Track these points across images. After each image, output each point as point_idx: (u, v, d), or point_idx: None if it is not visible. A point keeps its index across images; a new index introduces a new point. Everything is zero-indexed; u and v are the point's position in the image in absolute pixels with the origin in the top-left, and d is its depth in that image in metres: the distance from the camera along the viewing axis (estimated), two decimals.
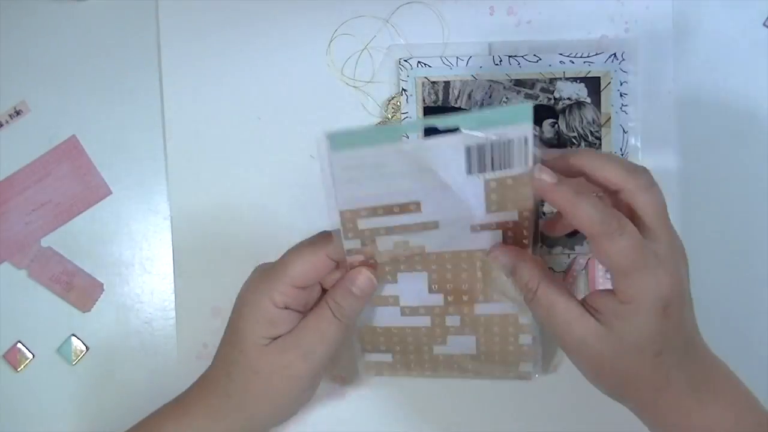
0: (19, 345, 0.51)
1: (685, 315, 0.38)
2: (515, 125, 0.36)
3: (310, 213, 0.50)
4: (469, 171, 0.38)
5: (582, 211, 0.36)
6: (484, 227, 0.40)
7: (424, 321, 0.44)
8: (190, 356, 0.50)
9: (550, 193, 0.37)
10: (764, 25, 0.50)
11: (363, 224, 0.39)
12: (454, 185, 0.38)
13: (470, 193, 0.38)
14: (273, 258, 0.51)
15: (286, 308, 0.40)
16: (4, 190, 0.50)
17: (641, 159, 0.49)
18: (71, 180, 0.51)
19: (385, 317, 0.44)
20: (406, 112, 0.49)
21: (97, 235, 0.51)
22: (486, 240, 0.41)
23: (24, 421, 0.51)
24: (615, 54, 0.49)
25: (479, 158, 0.37)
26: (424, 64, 0.50)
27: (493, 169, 0.37)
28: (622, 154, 0.49)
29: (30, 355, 0.51)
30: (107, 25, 0.51)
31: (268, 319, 0.40)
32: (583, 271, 0.50)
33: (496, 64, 0.49)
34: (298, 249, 0.41)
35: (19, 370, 0.51)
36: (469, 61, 0.49)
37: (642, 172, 0.37)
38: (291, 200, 0.50)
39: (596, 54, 0.49)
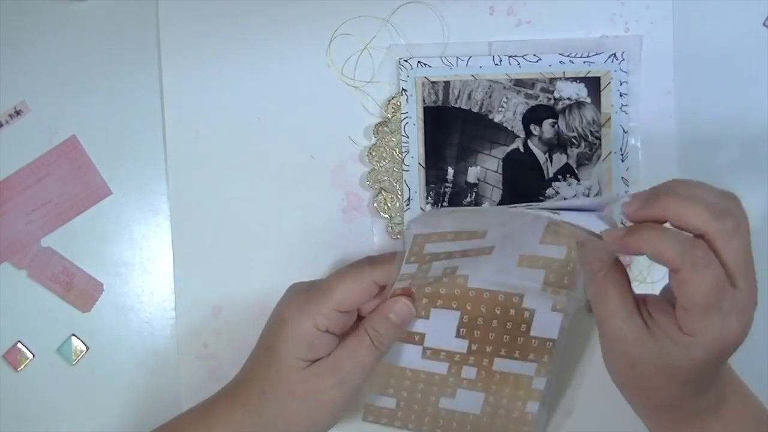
0: (19, 345, 0.51)
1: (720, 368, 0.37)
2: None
3: (310, 213, 0.50)
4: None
5: (662, 246, 0.33)
6: (530, 262, 0.40)
7: (442, 368, 0.44)
8: (191, 356, 0.50)
9: (623, 246, 0.35)
10: (764, 25, 0.50)
11: (429, 248, 0.39)
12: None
13: (532, 222, 0.39)
14: (274, 257, 0.51)
15: (327, 331, 0.40)
16: (4, 190, 0.50)
17: (641, 159, 0.49)
18: (71, 180, 0.51)
19: (405, 357, 0.44)
20: (406, 112, 0.49)
21: (97, 235, 0.51)
22: (527, 281, 0.41)
23: (24, 421, 0.51)
24: (615, 54, 0.49)
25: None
26: (424, 64, 0.50)
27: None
28: (622, 155, 0.49)
29: (30, 355, 0.51)
30: (107, 25, 0.51)
31: (309, 341, 0.40)
32: None
33: (496, 64, 0.49)
34: (346, 272, 0.41)
35: (19, 370, 0.51)
36: (469, 61, 0.49)
37: (727, 214, 0.34)
38: (291, 200, 0.50)
39: (596, 54, 0.49)
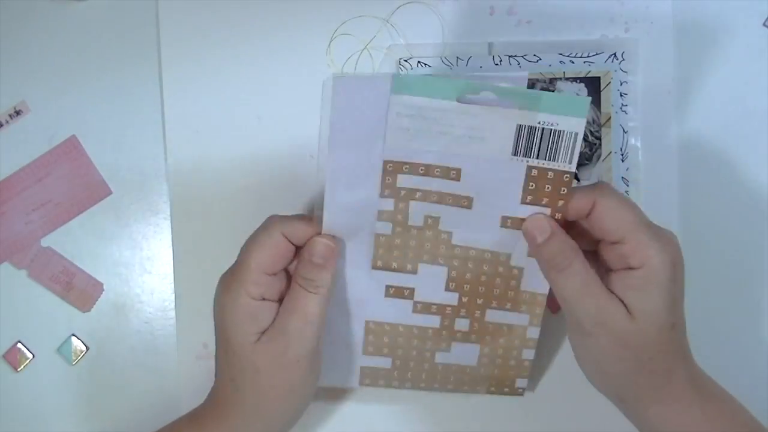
0: (19, 345, 0.51)
1: (683, 289, 0.39)
2: (569, 117, 0.37)
3: (309, 213, 0.50)
4: (515, 152, 0.38)
5: (575, 197, 0.39)
6: (513, 223, 0.40)
7: (434, 321, 0.44)
8: (190, 356, 0.50)
9: (537, 251, 0.39)
10: (764, 25, 0.50)
11: (402, 181, 0.39)
12: (497, 161, 0.38)
13: (510, 176, 0.39)
14: None
15: (263, 299, 0.40)
16: (4, 190, 0.50)
17: (641, 159, 0.49)
18: (71, 180, 0.51)
19: (396, 313, 0.44)
20: None
21: (97, 235, 0.51)
22: (513, 242, 0.41)
23: (24, 421, 0.51)
24: (615, 54, 0.49)
25: (527, 141, 0.38)
26: (424, 64, 0.50)
27: (537, 156, 0.38)
28: (622, 154, 0.49)
29: (30, 355, 0.51)
30: (107, 25, 0.51)
31: (250, 313, 0.40)
32: None
33: (496, 64, 0.49)
34: (256, 235, 0.41)
35: (19, 370, 0.51)
36: (469, 61, 0.49)
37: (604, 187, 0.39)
38: (290, 199, 0.50)
39: (596, 54, 0.49)
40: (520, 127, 0.37)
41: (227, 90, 0.50)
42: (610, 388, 0.41)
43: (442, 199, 0.40)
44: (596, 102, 0.49)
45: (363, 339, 0.45)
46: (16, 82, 0.51)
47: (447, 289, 0.43)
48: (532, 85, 0.49)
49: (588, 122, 0.49)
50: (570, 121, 0.37)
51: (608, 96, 0.49)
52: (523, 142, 0.38)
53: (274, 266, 0.41)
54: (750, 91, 0.50)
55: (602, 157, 0.49)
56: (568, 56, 0.49)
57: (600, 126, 0.49)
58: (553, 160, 0.38)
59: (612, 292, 0.38)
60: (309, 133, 0.50)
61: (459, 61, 0.49)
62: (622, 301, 0.38)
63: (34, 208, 0.51)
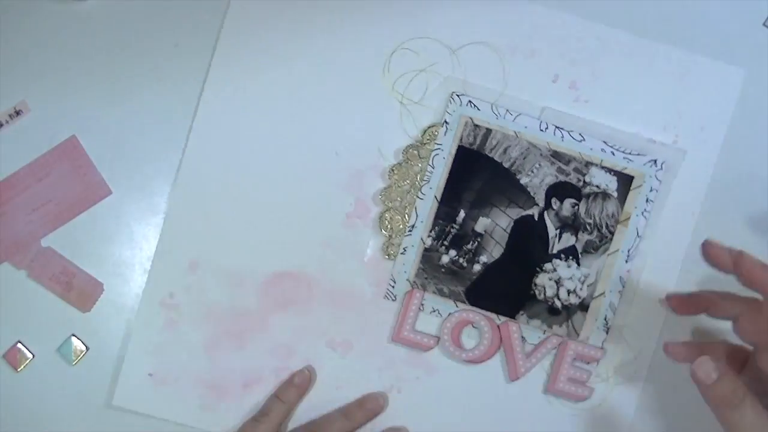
0: (19, 345, 0.51)
1: None
2: None
3: (315, 208, 0.50)
4: None
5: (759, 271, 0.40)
6: None
7: None
8: (154, 300, 0.50)
9: (707, 392, 0.39)
10: (764, 25, 0.50)
11: None
12: None
13: None
14: (266, 237, 0.52)
15: None
16: (4, 190, 0.50)
17: (645, 264, 0.50)
18: (71, 180, 0.51)
19: None
20: (440, 144, 0.50)
21: (97, 235, 0.51)
22: None
23: (24, 421, 0.51)
24: (656, 161, 0.49)
25: None
26: (474, 105, 0.50)
27: None
28: (628, 255, 0.50)
29: (30, 355, 0.51)
30: (107, 25, 0.51)
31: None
32: (554, 351, 0.50)
33: (542, 130, 0.50)
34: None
35: (19, 370, 0.51)
36: (517, 117, 0.50)
37: None
38: (302, 190, 0.50)
39: (638, 154, 0.49)
40: None
41: (269, 85, 0.50)
42: None
43: None
44: (622, 198, 0.50)
45: None
46: (16, 82, 0.51)
47: None
48: (567, 161, 0.49)
49: (608, 214, 0.50)
50: None
51: (635, 197, 0.49)
52: None
53: None
54: (750, 91, 0.50)
55: (608, 251, 0.50)
56: (611, 147, 0.49)
57: (617, 222, 0.50)
58: None
59: None
60: (342, 130, 0.50)
61: (507, 114, 0.49)
62: None
63: (34, 208, 0.51)
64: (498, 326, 0.50)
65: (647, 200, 0.49)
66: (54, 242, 0.51)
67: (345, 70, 0.50)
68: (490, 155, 0.50)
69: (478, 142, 0.50)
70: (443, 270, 0.50)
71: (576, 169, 0.50)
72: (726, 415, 0.39)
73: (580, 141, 0.49)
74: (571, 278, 0.50)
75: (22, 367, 0.51)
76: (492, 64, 0.50)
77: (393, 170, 0.50)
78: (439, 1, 0.50)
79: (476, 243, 0.50)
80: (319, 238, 0.50)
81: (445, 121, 0.50)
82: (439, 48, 0.50)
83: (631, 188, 0.49)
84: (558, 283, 0.50)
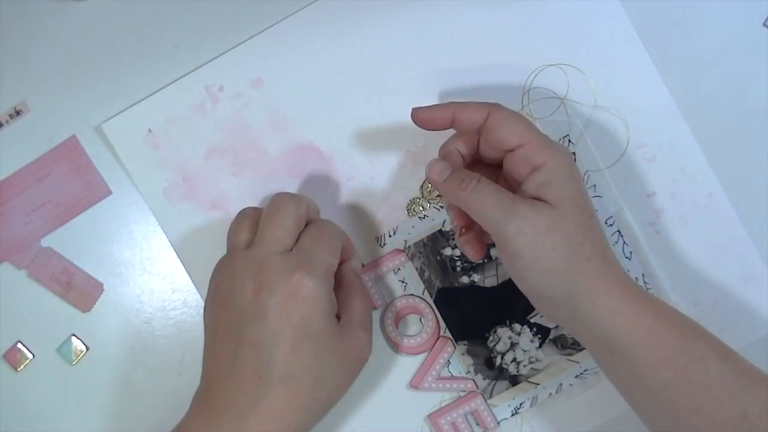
0: (19, 345, 0.51)
1: (585, 192, 0.42)
2: None
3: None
4: None
5: (463, 105, 0.43)
6: None
7: None
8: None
9: (443, 187, 0.42)
10: (764, 25, 0.50)
11: None
12: None
13: None
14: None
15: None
16: (4, 190, 0.50)
17: None
18: (71, 180, 0.51)
19: None
20: None
21: (97, 235, 0.51)
22: None
23: (24, 421, 0.51)
24: None
25: None
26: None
27: None
28: (582, 372, 0.49)
29: (30, 355, 0.51)
30: (107, 25, 0.51)
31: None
32: (462, 393, 0.49)
33: (608, 225, 0.49)
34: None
35: (19, 370, 0.51)
36: (595, 187, 0.49)
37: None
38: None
39: None
40: None
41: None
42: (558, 287, 0.40)
43: None
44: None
45: None
46: (16, 82, 0.51)
47: None
48: None
49: None
50: None
51: None
52: None
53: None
54: (750, 91, 0.50)
55: (570, 358, 0.49)
56: None
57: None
58: None
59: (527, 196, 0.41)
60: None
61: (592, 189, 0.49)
62: (539, 199, 0.40)
63: (34, 208, 0.51)
64: (440, 336, 0.49)
65: None
66: (54, 242, 0.51)
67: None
68: None
69: None
70: (438, 259, 0.50)
71: None
72: (465, 200, 0.41)
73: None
74: (525, 351, 0.49)
75: (22, 367, 0.51)
76: (617, 133, 0.50)
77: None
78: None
79: (483, 261, 0.50)
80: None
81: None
82: (581, 78, 0.50)
83: None
84: (512, 346, 0.49)
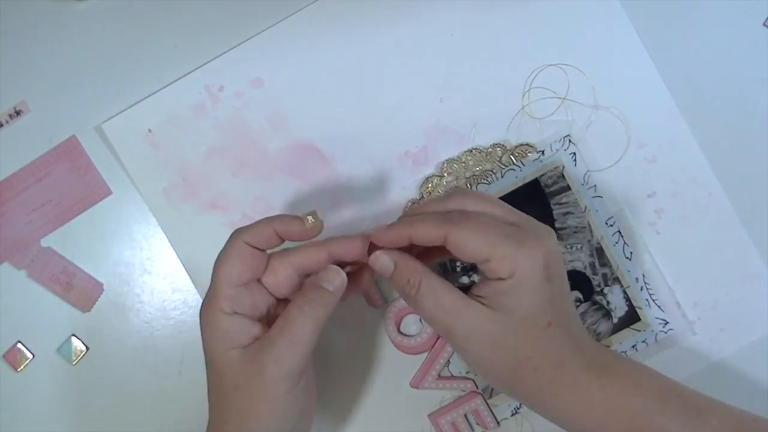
0: (19, 345, 0.51)
1: (565, 284, 0.39)
2: None
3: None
4: None
5: (419, 227, 0.39)
6: None
7: None
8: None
9: (389, 239, 0.41)
10: (764, 25, 0.50)
11: None
12: None
13: None
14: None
15: (235, 313, 0.40)
16: (4, 190, 0.50)
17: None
18: (71, 180, 0.51)
19: None
20: (522, 166, 0.49)
21: (97, 235, 0.51)
22: None
23: (24, 421, 0.51)
24: None
25: None
26: (574, 160, 0.49)
27: None
28: None
29: (30, 355, 0.51)
30: (107, 25, 0.51)
31: (222, 328, 0.39)
32: (462, 393, 0.50)
33: (608, 225, 0.49)
34: (223, 248, 0.41)
35: (19, 370, 0.51)
36: (595, 198, 0.49)
37: (452, 214, 0.40)
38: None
39: None
40: None
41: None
42: (505, 389, 0.40)
43: None
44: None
45: None
46: (16, 82, 0.51)
47: None
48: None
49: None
50: None
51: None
52: None
53: (241, 277, 0.40)
54: (750, 91, 0.50)
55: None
56: None
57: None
58: None
59: (478, 297, 0.39)
60: (471, 100, 0.50)
61: (592, 190, 0.49)
62: (491, 307, 0.38)
63: (34, 208, 0.51)
64: (440, 336, 0.49)
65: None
66: (54, 242, 0.51)
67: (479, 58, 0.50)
68: (553, 208, 0.49)
69: (552, 189, 0.49)
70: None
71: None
72: (410, 301, 0.40)
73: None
74: None
75: (22, 367, 0.51)
76: (616, 134, 0.49)
77: (472, 150, 0.49)
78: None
79: None
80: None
81: (542, 151, 0.49)
82: (581, 78, 0.49)
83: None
84: None
